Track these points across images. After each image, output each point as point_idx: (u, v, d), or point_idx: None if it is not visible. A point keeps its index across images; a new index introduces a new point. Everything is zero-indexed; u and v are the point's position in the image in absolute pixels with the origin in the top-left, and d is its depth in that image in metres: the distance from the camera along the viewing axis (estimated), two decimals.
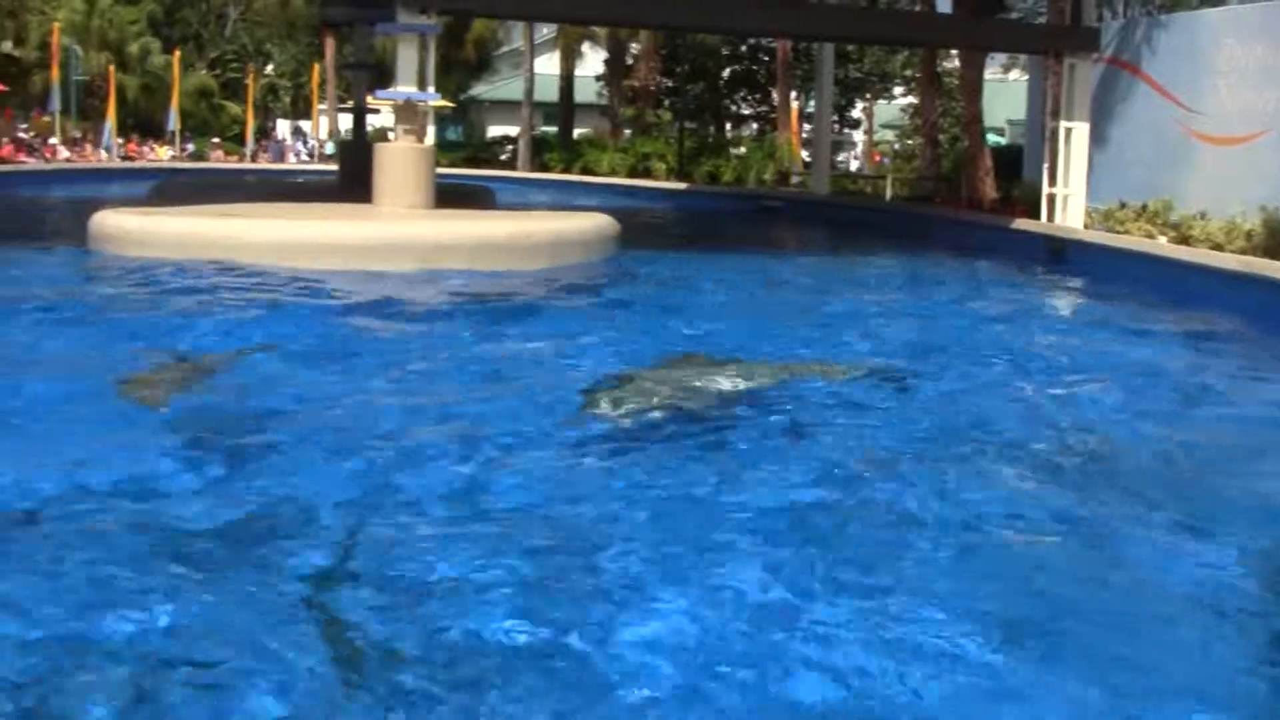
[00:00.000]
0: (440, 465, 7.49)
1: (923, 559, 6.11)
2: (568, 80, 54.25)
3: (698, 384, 9.89)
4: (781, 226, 32.26)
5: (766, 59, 50.37)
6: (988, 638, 5.14)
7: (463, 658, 4.86)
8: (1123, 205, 22.90)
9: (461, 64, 59.83)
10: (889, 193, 34.78)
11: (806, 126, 47.97)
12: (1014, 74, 50.30)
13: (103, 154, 47.63)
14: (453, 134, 60.73)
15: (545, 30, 58.48)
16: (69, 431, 8.02)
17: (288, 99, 71.03)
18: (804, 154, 44.58)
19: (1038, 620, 5.43)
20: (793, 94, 47.38)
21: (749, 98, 54.48)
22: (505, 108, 61.44)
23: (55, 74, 47.59)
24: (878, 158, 47.24)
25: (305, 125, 60.02)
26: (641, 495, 7.01)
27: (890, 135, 56.84)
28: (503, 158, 53.73)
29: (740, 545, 6.19)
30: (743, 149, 46.87)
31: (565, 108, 54.75)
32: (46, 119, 49.03)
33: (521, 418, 8.64)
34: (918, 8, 34.14)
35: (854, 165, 54.30)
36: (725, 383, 9.86)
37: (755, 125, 54.70)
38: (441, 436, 8.11)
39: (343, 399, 9.22)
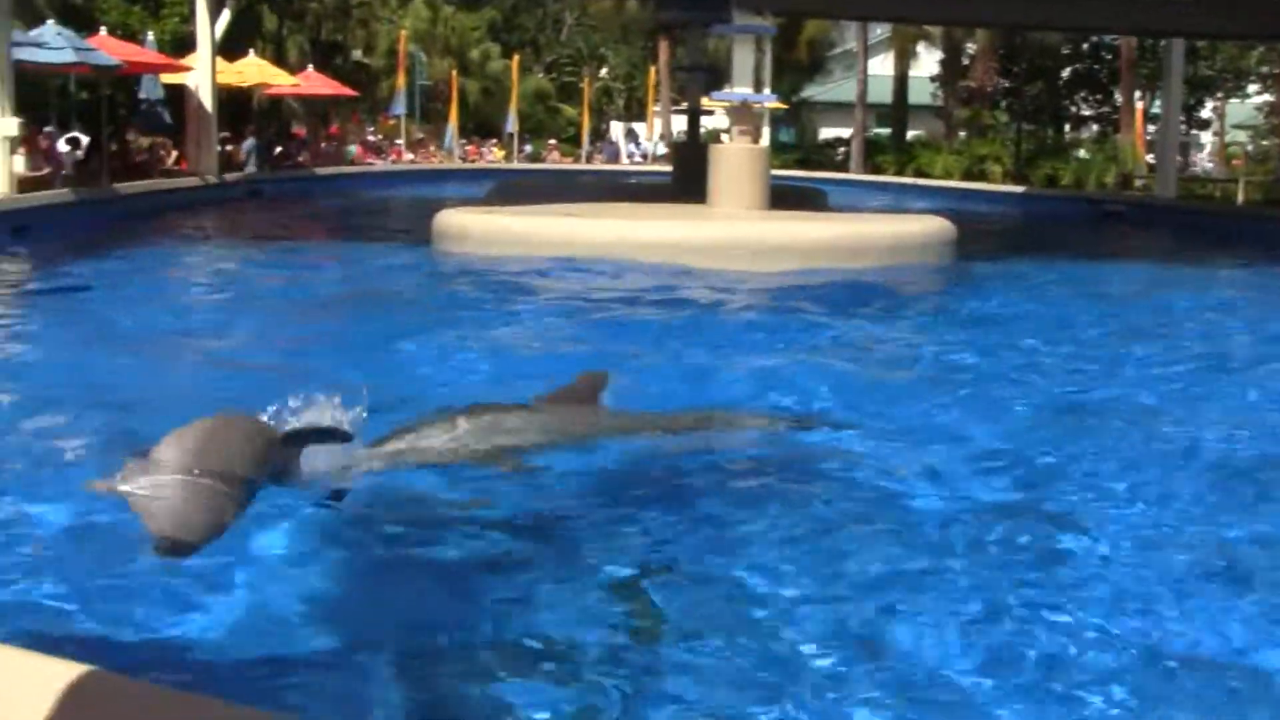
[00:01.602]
0: None
1: None
2: (901, 81, 53.57)
3: None
4: (1124, 232, 31.00)
5: (1109, 57, 48.68)
6: None
7: None
8: None
9: (794, 65, 59.69)
10: (1240, 197, 33.15)
11: (1150, 127, 46.20)
12: None
13: (444, 155, 49.09)
14: (785, 136, 60.65)
15: (879, 30, 57.91)
16: None
17: (621, 101, 72.06)
18: (1148, 156, 42.94)
19: None
20: (1136, 93, 45.74)
21: (1090, 98, 52.72)
22: (838, 109, 61.07)
23: (401, 80, 49.30)
24: (1238, 162, 45.03)
25: (638, 127, 60.72)
26: None
27: (1243, 136, 54.33)
28: (835, 159, 53.37)
29: None
30: (1083, 151, 45.45)
31: (898, 109, 54.08)
32: (393, 122, 50.85)
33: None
34: None
35: (1207, 167, 52.09)
36: None
37: (1096, 126, 52.92)
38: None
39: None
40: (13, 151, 21.47)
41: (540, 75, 69.03)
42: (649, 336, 11.92)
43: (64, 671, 3.07)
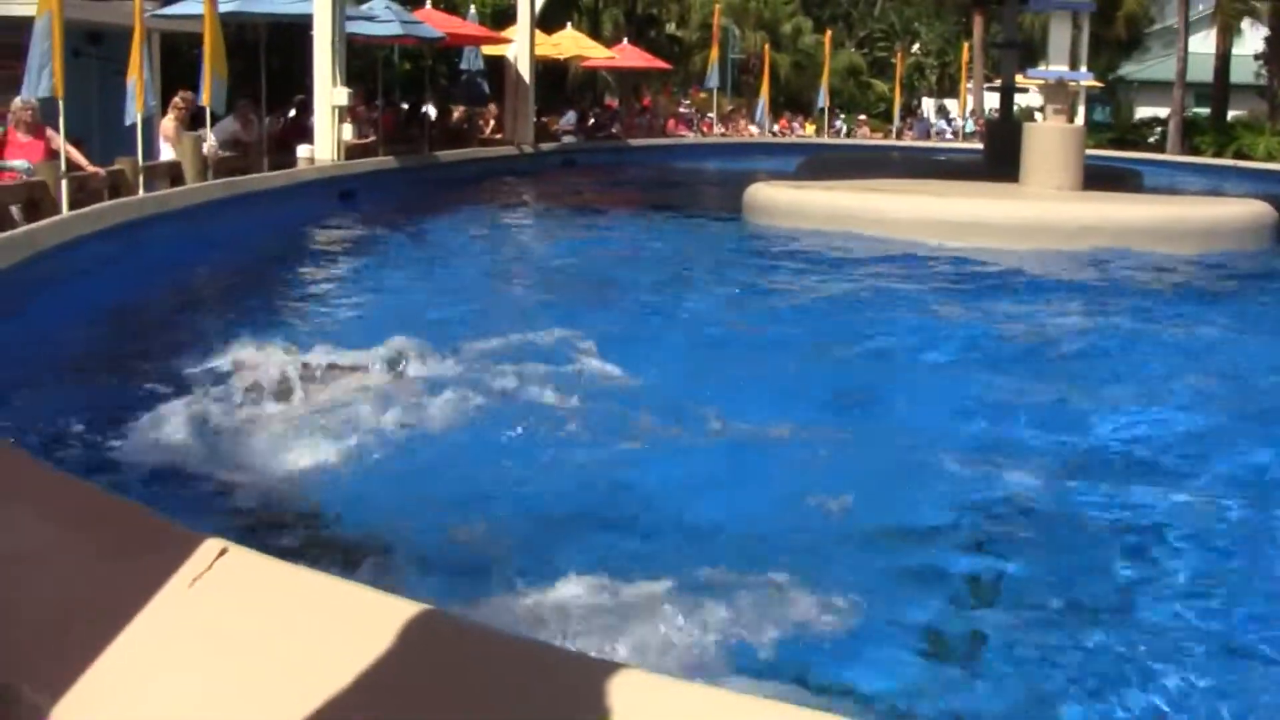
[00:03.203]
0: None
1: None
2: (1223, 59, 51.66)
3: None
4: None
5: None
6: None
7: None
8: None
9: (1111, 42, 58.25)
10: None
11: None
12: None
13: (755, 129, 49.42)
14: (1099, 115, 59.24)
15: (1201, 6, 56.07)
16: None
17: (933, 77, 71.42)
18: None
19: None
20: None
21: None
22: (1155, 88, 59.26)
23: (714, 53, 49.75)
24: None
25: (950, 104, 60.10)
26: None
27: None
28: (1150, 140, 51.90)
29: None
30: None
31: (1219, 88, 52.21)
32: (704, 95, 51.40)
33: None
34: None
35: None
36: None
37: None
38: None
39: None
40: (341, 120, 22.59)
41: (852, 50, 68.85)
42: (959, 312, 12.10)
43: (400, 609, 3.04)
